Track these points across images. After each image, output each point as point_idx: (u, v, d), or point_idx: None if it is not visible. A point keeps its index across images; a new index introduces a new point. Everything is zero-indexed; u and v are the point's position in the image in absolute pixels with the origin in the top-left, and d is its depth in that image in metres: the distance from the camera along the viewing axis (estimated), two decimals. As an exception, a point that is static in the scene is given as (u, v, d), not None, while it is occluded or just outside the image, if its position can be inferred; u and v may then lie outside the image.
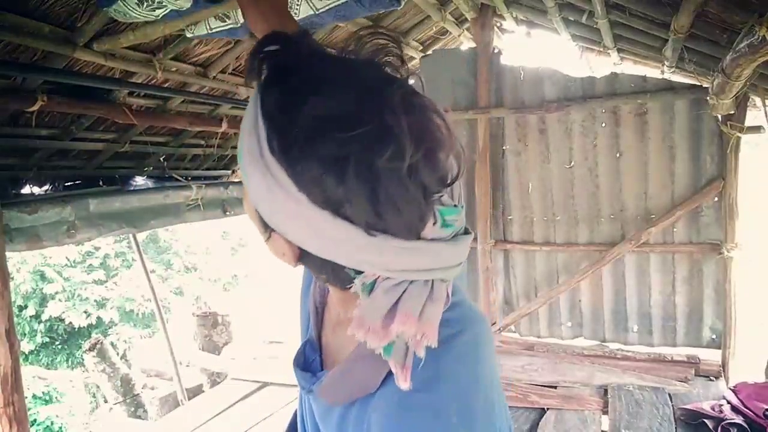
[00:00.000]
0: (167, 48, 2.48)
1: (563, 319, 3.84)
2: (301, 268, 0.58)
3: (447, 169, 0.45)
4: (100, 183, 3.24)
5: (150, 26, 1.90)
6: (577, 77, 3.52)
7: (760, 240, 6.71)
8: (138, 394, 5.45)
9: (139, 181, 3.51)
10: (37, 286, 10.30)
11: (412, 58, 4.05)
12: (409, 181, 0.42)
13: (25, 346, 9.89)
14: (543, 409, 3.04)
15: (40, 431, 8.10)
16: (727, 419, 2.59)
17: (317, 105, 0.42)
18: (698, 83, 3.06)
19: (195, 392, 4.93)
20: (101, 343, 5.45)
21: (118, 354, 6.79)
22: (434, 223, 0.45)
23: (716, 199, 3.28)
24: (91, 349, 5.36)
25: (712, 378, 3.21)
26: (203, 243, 13.34)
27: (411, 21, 3.62)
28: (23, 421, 2.06)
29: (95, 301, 10.81)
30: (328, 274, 0.51)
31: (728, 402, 2.75)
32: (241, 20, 1.54)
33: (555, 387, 3.23)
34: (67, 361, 10.56)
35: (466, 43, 4.32)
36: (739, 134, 2.99)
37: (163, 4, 1.40)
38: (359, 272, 0.47)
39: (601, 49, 3.38)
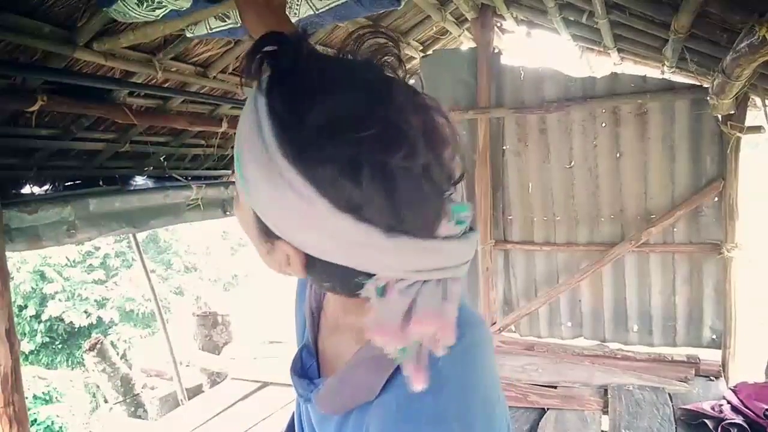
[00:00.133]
0: (167, 48, 2.48)
1: (563, 319, 3.84)
2: None
3: (453, 168, 0.45)
4: (100, 183, 3.24)
5: (150, 26, 1.90)
6: (578, 77, 3.52)
7: (760, 240, 6.70)
8: (138, 394, 5.46)
9: (139, 181, 3.51)
10: (37, 286, 10.31)
11: (412, 58, 4.05)
12: (423, 180, 0.41)
13: (25, 346, 9.89)
14: (543, 409, 3.05)
15: (41, 431, 8.10)
16: (727, 419, 2.59)
17: (329, 105, 0.41)
18: (698, 83, 3.06)
19: (195, 392, 4.93)
20: (101, 342, 5.45)
21: (118, 354, 6.78)
22: (448, 221, 0.45)
23: (716, 199, 3.28)
24: (91, 349, 5.36)
25: (712, 378, 3.21)
26: (203, 243, 13.35)
27: (411, 21, 3.61)
28: (23, 421, 2.06)
29: (95, 301, 10.82)
30: (336, 281, 0.50)
31: (728, 402, 2.75)
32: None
33: (555, 387, 3.23)
34: (67, 361, 10.57)
35: (466, 43, 4.32)
36: (739, 134, 2.99)
37: (163, 4, 1.40)
38: (370, 276, 0.46)
39: (601, 49, 3.38)
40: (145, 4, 1.42)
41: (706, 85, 2.85)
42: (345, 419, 0.55)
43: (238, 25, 1.59)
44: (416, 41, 3.90)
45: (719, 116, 3.03)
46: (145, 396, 5.48)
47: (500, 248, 3.90)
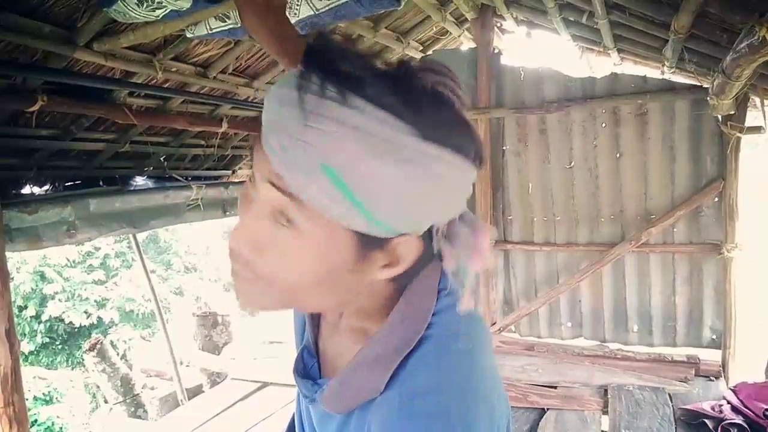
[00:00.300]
0: (167, 48, 2.48)
1: (563, 319, 3.84)
2: None
3: None
4: (100, 183, 3.24)
5: (150, 26, 1.90)
6: (578, 77, 3.51)
7: (760, 240, 6.70)
8: (138, 394, 5.46)
9: (139, 181, 3.51)
10: (37, 286, 10.30)
11: (413, 58, 4.05)
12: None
13: (25, 346, 9.88)
14: (543, 409, 3.05)
15: None
16: (727, 419, 2.59)
17: (423, 83, 0.47)
18: (698, 83, 3.06)
19: (195, 392, 4.93)
20: (101, 343, 5.45)
21: (118, 354, 6.79)
22: None
23: (716, 199, 3.28)
24: (91, 349, 5.36)
25: (712, 378, 3.21)
26: (203, 243, 13.34)
27: (411, 21, 3.61)
28: (23, 422, 2.06)
29: (95, 301, 10.82)
30: (426, 253, 0.53)
31: (728, 402, 2.75)
32: (241, 20, 1.54)
33: (555, 387, 3.23)
34: (67, 361, 10.56)
35: (466, 44, 4.32)
36: (739, 135, 2.99)
37: (163, 4, 1.41)
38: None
39: (602, 50, 3.38)
40: (145, 5, 1.42)
41: (706, 86, 2.85)
42: (347, 417, 0.56)
43: (238, 25, 1.59)
44: (416, 41, 3.90)
45: (719, 116, 3.03)
46: (145, 396, 5.48)
47: (500, 248, 3.90)
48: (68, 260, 10.71)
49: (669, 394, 3.02)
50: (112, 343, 8.68)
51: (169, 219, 3.23)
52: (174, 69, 2.65)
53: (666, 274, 3.50)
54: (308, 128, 0.42)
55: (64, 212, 2.48)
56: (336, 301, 0.55)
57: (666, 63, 2.81)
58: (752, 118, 3.00)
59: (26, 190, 2.83)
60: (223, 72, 2.96)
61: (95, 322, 10.67)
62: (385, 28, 3.32)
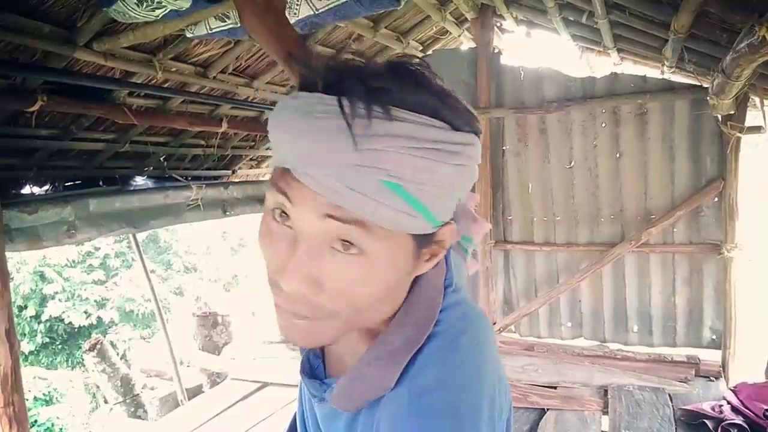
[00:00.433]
0: (167, 48, 2.48)
1: (563, 319, 3.83)
2: None
3: None
4: (100, 183, 3.24)
5: (150, 26, 1.90)
6: (577, 77, 3.51)
7: (760, 240, 6.70)
8: (138, 394, 5.45)
9: (139, 181, 3.51)
10: (37, 286, 10.30)
11: (404, 55, 4.04)
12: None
13: (25, 346, 9.88)
14: (543, 409, 3.04)
15: (41, 432, 8.10)
16: (727, 420, 2.59)
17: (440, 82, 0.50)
18: (698, 83, 3.06)
19: (195, 392, 4.92)
20: (101, 343, 5.44)
21: (118, 354, 6.78)
22: None
23: (716, 199, 3.28)
24: (91, 349, 5.35)
25: (712, 378, 3.21)
26: (203, 243, 13.34)
27: (411, 21, 3.61)
28: (23, 422, 2.06)
29: (95, 301, 10.81)
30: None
31: (728, 402, 2.75)
32: (241, 20, 1.54)
33: (555, 387, 3.23)
34: (67, 361, 10.56)
35: (466, 43, 4.32)
36: (739, 134, 2.99)
37: (163, 4, 1.40)
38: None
39: (601, 49, 3.38)
40: (144, 4, 1.42)
41: (706, 85, 2.85)
42: (355, 416, 0.56)
43: (238, 25, 1.59)
44: (416, 41, 3.90)
45: (719, 116, 3.03)
46: (145, 396, 5.47)
47: (500, 248, 3.90)
48: (68, 260, 10.71)
49: (669, 395, 3.02)
50: (112, 343, 8.66)
51: (169, 219, 3.22)
52: (174, 69, 2.65)
53: (666, 274, 3.50)
54: (361, 152, 0.42)
55: (64, 212, 2.47)
56: (395, 306, 0.55)
57: (666, 63, 2.80)
58: (752, 117, 3.00)
59: (26, 190, 2.83)
60: (223, 72, 2.96)
61: (95, 322, 10.67)
62: (385, 27, 3.31)
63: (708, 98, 2.58)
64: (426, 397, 0.49)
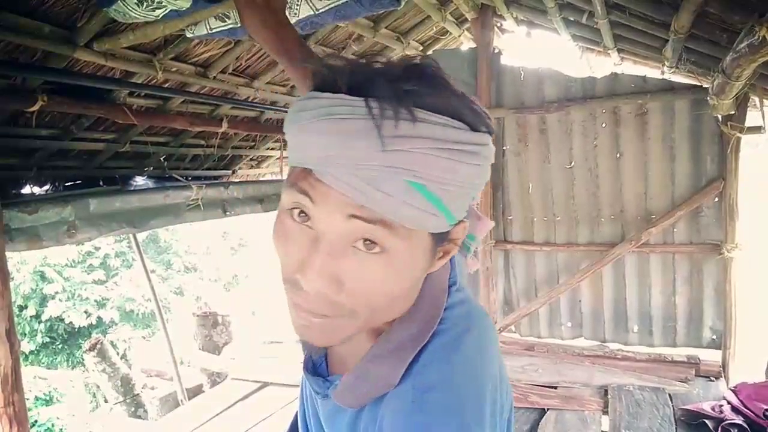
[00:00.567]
0: (167, 48, 2.48)
1: (563, 319, 3.84)
2: None
3: None
4: (101, 183, 3.24)
5: (150, 26, 1.90)
6: (578, 77, 3.52)
7: (760, 240, 6.70)
8: (138, 394, 5.45)
9: (139, 181, 3.51)
10: (37, 286, 10.30)
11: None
12: None
13: (26, 346, 9.88)
14: (543, 409, 3.05)
15: (41, 432, 8.10)
16: (727, 419, 2.59)
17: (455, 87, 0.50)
18: (698, 83, 3.06)
19: (195, 392, 4.92)
20: (101, 343, 5.44)
21: (118, 354, 6.78)
22: None
23: (716, 199, 3.28)
24: (91, 349, 5.35)
25: (712, 378, 3.21)
26: (203, 243, 13.34)
27: (411, 21, 3.61)
28: (23, 422, 2.06)
29: (95, 301, 10.82)
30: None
31: (728, 402, 2.75)
32: (241, 20, 1.54)
33: (555, 387, 3.23)
34: (67, 361, 10.56)
35: (467, 44, 4.32)
36: (739, 134, 2.99)
37: (163, 4, 1.40)
38: None
39: (602, 50, 3.38)
40: (145, 4, 1.42)
41: (706, 86, 2.85)
42: (359, 412, 0.56)
43: (238, 25, 1.59)
44: (416, 41, 3.90)
45: (719, 116, 3.03)
46: (145, 396, 5.47)
47: (500, 248, 3.90)
48: (68, 260, 10.71)
49: (669, 395, 3.02)
50: (112, 343, 8.66)
51: (169, 219, 3.22)
52: (174, 69, 2.65)
53: (666, 274, 3.50)
54: (388, 153, 0.43)
55: (64, 212, 2.47)
56: (409, 305, 0.56)
57: (666, 63, 2.80)
58: (752, 118, 3.00)
59: (26, 190, 2.83)
60: (223, 72, 2.96)
61: (95, 322, 10.68)
62: (385, 28, 3.31)
63: (708, 98, 2.58)
64: (430, 394, 0.50)
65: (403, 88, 0.44)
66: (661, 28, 2.32)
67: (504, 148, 3.80)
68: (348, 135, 0.43)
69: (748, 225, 3.38)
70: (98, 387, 6.31)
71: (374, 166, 0.43)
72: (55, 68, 2.16)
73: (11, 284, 2.16)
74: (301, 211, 0.48)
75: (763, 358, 3.11)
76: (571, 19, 2.95)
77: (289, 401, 3.72)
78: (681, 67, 2.72)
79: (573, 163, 3.62)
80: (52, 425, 8.13)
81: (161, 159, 3.52)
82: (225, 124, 3.42)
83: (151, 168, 3.54)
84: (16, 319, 2.25)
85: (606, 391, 3.12)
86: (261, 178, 4.85)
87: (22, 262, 10.11)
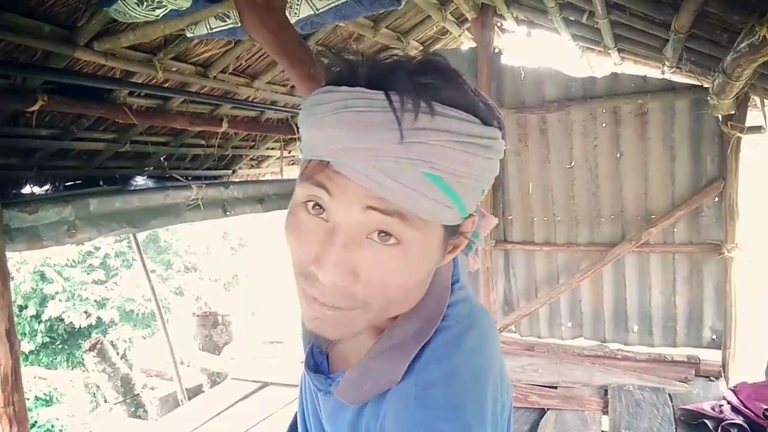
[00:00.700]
0: (167, 48, 2.48)
1: (563, 319, 3.84)
2: None
3: None
4: (101, 183, 3.24)
5: (150, 26, 1.90)
6: (578, 77, 3.52)
7: (760, 240, 6.70)
8: (138, 394, 5.45)
9: (140, 181, 3.51)
10: (37, 286, 10.30)
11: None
12: None
13: (26, 346, 9.89)
14: (543, 409, 3.04)
15: (41, 433, 8.10)
16: (727, 419, 2.58)
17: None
18: (699, 83, 3.06)
19: (195, 392, 4.93)
20: (101, 343, 5.45)
21: (118, 354, 6.78)
22: None
23: (716, 199, 3.28)
24: (91, 349, 5.35)
25: (712, 378, 3.21)
26: (203, 243, 13.35)
27: (411, 21, 3.61)
28: (23, 422, 2.06)
29: (95, 301, 10.82)
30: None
31: (728, 402, 2.75)
32: (241, 20, 1.54)
33: (555, 387, 3.23)
34: (67, 361, 10.56)
35: (467, 43, 4.31)
36: (739, 134, 2.99)
37: (163, 3, 1.40)
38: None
39: (602, 49, 3.38)
40: (145, 4, 1.42)
41: (706, 85, 2.85)
42: (361, 409, 0.56)
43: (239, 24, 1.59)
44: (416, 41, 3.90)
45: (719, 116, 3.03)
46: (145, 396, 5.48)
47: (500, 248, 3.90)
48: (68, 260, 10.71)
49: (669, 395, 3.02)
50: (112, 343, 8.67)
51: (169, 219, 3.22)
52: (174, 69, 2.65)
53: (666, 274, 3.50)
54: (406, 145, 0.44)
55: (64, 212, 2.47)
56: (420, 297, 0.56)
57: (666, 63, 2.80)
58: (752, 117, 3.00)
59: (26, 189, 2.83)
60: (223, 72, 2.96)
61: (95, 322, 10.68)
62: (386, 27, 3.31)
63: (708, 98, 2.58)
64: (432, 391, 0.50)
65: (421, 81, 0.46)
66: (661, 28, 2.32)
67: (504, 147, 3.79)
68: (367, 127, 0.44)
69: (748, 225, 3.38)
70: (98, 387, 6.31)
71: (392, 157, 0.44)
72: (55, 68, 2.16)
73: (11, 284, 2.16)
74: (316, 204, 0.49)
75: (763, 358, 3.11)
76: (572, 18, 2.95)
77: (289, 401, 3.72)
78: (681, 66, 2.72)
79: (573, 163, 3.62)
80: (52, 426, 8.13)
81: (161, 159, 3.52)
82: (225, 124, 3.42)
83: (151, 168, 3.54)
84: (16, 319, 2.25)
85: (606, 391, 3.12)
86: (261, 178, 4.85)
87: (22, 262, 10.11)
